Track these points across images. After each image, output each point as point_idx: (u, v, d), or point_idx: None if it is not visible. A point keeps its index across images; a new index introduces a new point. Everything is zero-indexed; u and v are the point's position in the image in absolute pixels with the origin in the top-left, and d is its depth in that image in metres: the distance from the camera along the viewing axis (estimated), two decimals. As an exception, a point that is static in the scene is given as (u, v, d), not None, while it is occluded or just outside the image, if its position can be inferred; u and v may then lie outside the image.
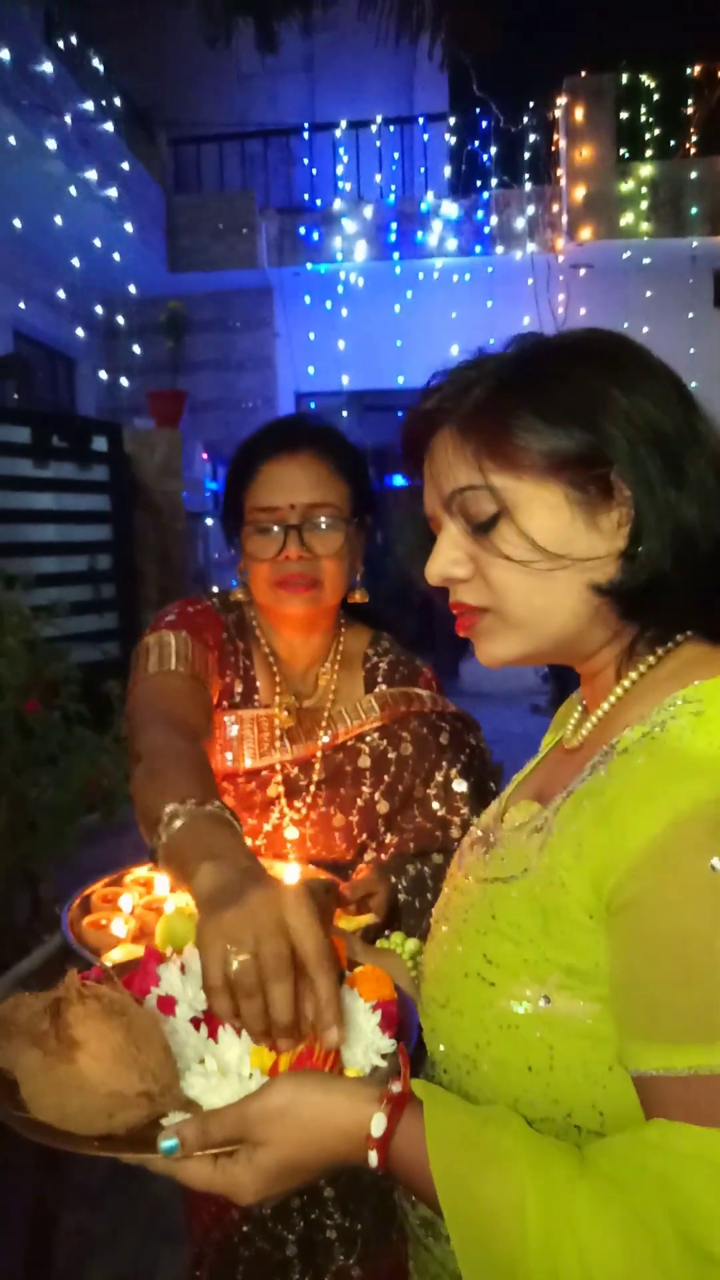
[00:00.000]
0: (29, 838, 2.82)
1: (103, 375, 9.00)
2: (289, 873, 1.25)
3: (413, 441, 0.83)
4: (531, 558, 0.75)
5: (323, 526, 1.30)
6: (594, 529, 0.75)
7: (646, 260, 8.81)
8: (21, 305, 7.60)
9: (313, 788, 1.36)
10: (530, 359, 0.78)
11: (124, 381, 8.73)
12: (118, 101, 7.99)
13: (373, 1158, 0.67)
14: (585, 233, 8.69)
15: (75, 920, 1.16)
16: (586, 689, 0.85)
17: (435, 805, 1.37)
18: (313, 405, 9.72)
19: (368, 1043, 0.78)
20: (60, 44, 6.91)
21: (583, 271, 8.99)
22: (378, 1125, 0.67)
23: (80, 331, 8.72)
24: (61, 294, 8.11)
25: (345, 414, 9.36)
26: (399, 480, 10.40)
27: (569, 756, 0.84)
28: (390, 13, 4.01)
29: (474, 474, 0.76)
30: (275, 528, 1.30)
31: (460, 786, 1.38)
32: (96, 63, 7.60)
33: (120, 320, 8.78)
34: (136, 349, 8.72)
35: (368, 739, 1.38)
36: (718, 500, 0.75)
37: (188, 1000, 0.82)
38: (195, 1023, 0.79)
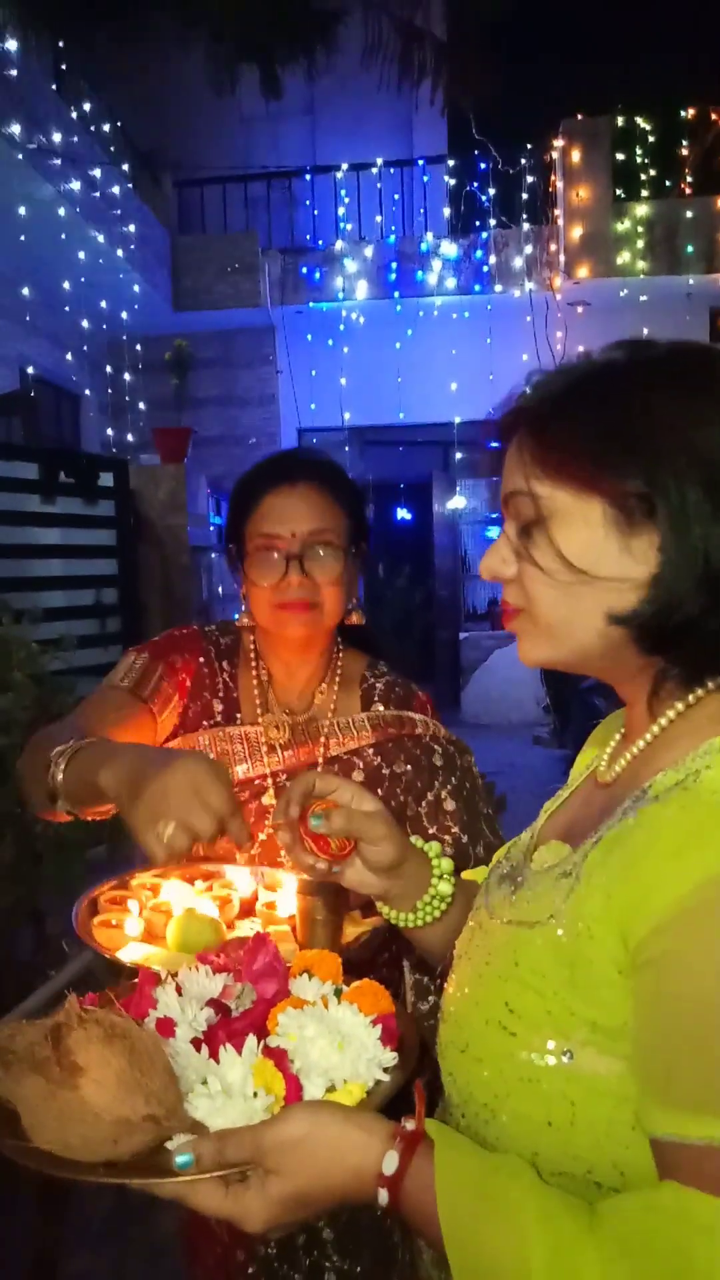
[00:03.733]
0: (35, 871, 2.83)
1: (108, 412, 9.11)
2: (287, 881, 1.28)
3: (501, 441, 0.82)
4: (556, 569, 0.75)
5: (321, 554, 1.35)
6: (626, 552, 0.73)
7: (643, 297, 8.95)
8: (29, 343, 7.71)
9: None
10: (606, 372, 0.77)
11: (129, 418, 8.84)
12: (124, 146, 8.16)
13: (383, 1196, 0.68)
14: (582, 271, 8.83)
15: (84, 921, 1.19)
16: (627, 715, 0.83)
17: (425, 823, 1.39)
18: (315, 440, 9.81)
19: (370, 1056, 0.81)
20: (68, 91, 7.07)
21: (580, 309, 9.12)
22: (390, 1164, 0.67)
23: (86, 369, 8.84)
24: (68, 332, 8.24)
25: (347, 449, 9.46)
26: (403, 514, 10.50)
27: (601, 791, 0.83)
28: (391, 59, 4.13)
29: (522, 479, 0.76)
30: (277, 555, 1.35)
31: (450, 805, 1.40)
32: (103, 109, 7.77)
33: (126, 358, 8.91)
34: (142, 386, 8.83)
35: (363, 755, 1.42)
36: None
37: (187, 1021, 0.84)
38: (196, 1043, 0.82)
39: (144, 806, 0.95)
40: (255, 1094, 0.75)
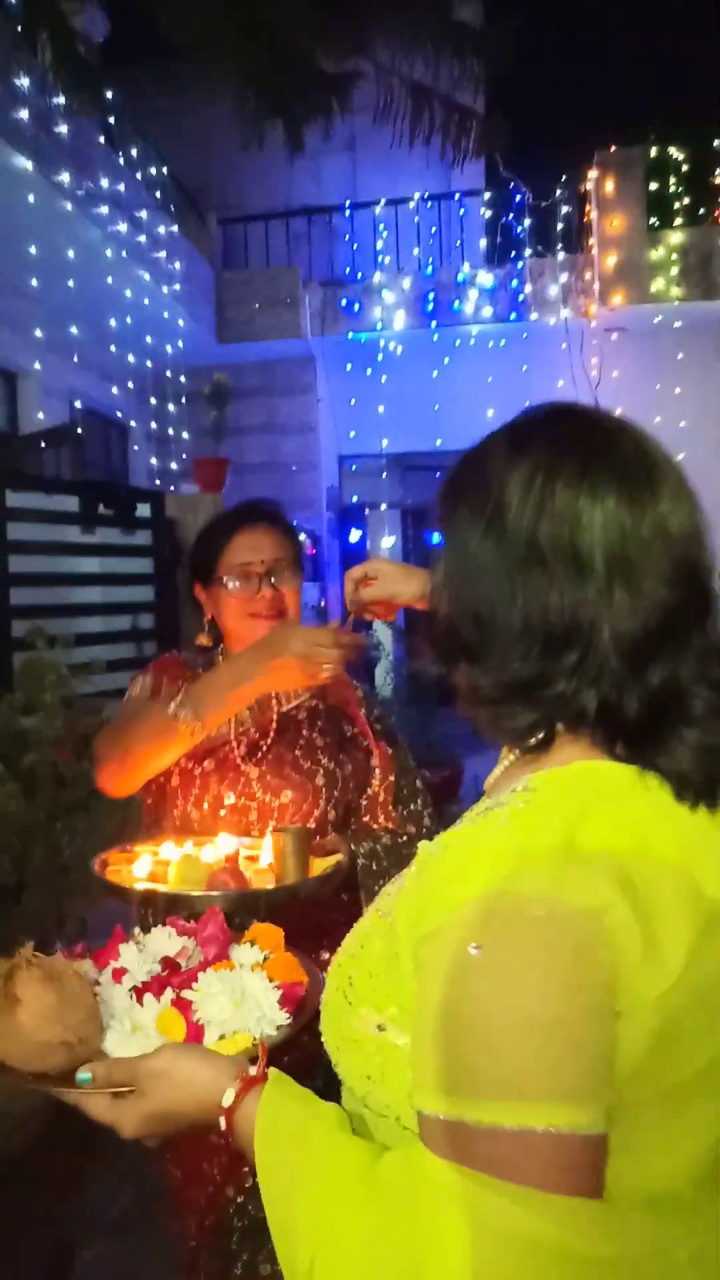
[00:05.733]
0: (61, 881, 3.05)
1: (154, 443, 9.44)
2: (224, 843, 1.54)
3: None
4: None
5: (284, 574, 1.72)
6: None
7: (678, 323, 9.05)
8: (78, 378, 8.06)
9: (270, 746, 1.70)
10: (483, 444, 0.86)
11: (174, 448, 9.16)
12: (170, 187, 8.52)
13: (221, 1123, 0.83)
14: (617, 298, 8.96)
15: (101, 868, 1.48)
16: None
17: (360, 740, 1.75)
18: (354, 467, 10.05)
19: (261, 1014, 0.99)
20: (115, 138, 7.43)
21: (615, 335, 9.25)
22: (227, 1098, 0.83)
23: (134, 401, 9.19)
24: (116, 366, 8.59)
25: (385, 475, 9.68)
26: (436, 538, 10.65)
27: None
28: (402, 118, 4.37)
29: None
30: (250, 577, 1.70)
31: (376, 710, 1.80)
32: (150, 153, 8.13)
33: (171, 390, 9.24)
34: (187, 417, 9.15)
35: (305, 704, 1.77)
36: (507, 583, 0.78)
37: (134, 974, 1.04)
38: (137, 991, 1.01)
39: (293, 649, 1.46)
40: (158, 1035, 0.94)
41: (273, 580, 1.71)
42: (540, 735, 0.79)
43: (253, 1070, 0.85)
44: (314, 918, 1.50)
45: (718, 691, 0.78)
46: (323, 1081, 0.87)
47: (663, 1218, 0.72)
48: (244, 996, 0.99)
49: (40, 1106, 2.68)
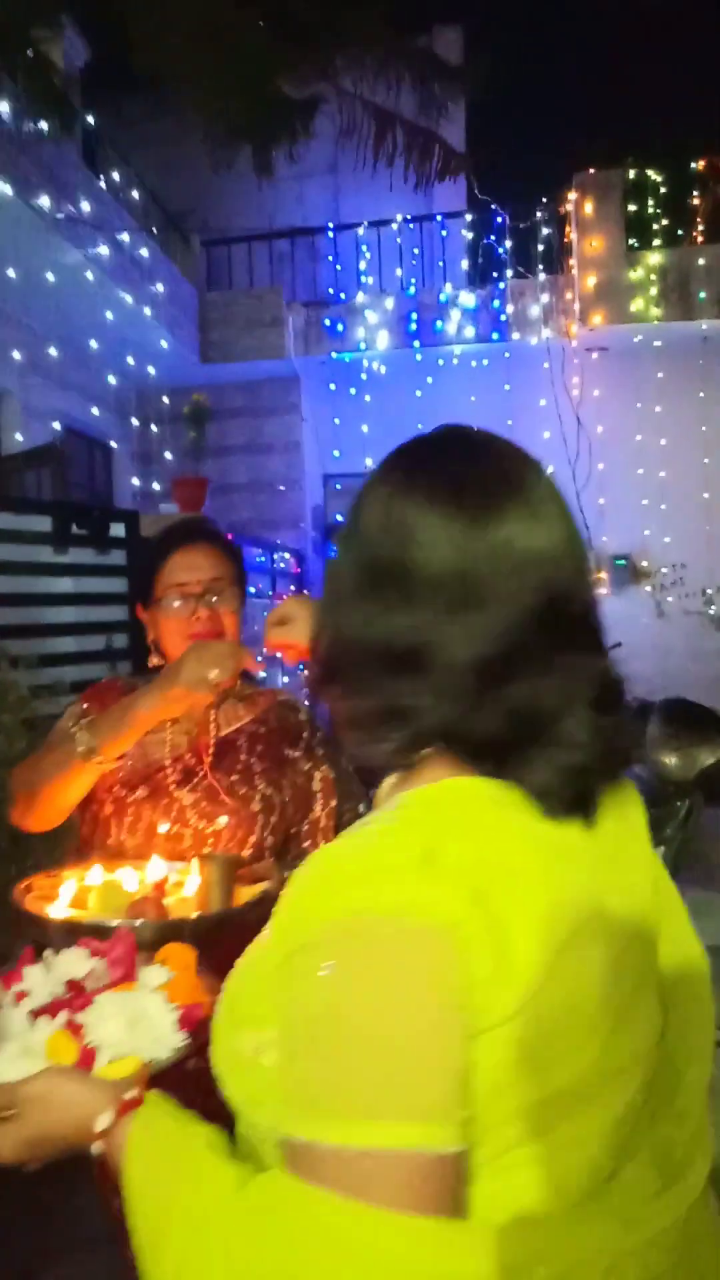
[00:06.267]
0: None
1: (137, 462, 9.47)
2: (191, 869, 1.52)
3: None
4: None
5: (221, 594, 1.69)
6: None
7: (658, 343, 9.13)
8: (62, 398, 8.10)
9: (206, 772, 1.67)
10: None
11: (157, 468, 9.19)
12: (153, 209, 8.59)
13: (96, 1147, 0.82)
14: (598, 318, 9.04)
15: (20, 895, 1.44)
16: None
17: (302, 764, 1.73)
18: (338, 486, 10.09)
19: (156, 1035, 0.99)
20: (97, 160, 7.50)
21: (596, 355, 9.32)
22: (102, 1122, 0.82)
23: (117, 421, 9.23)
24: (99, 387, 8.63)
25: (369, 494, 9.68)
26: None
27: None
28: (366, 141, 4.43)
29: None
30: (187, 598, 1.66)
31: (319, 750, 1.76)
32: (131, 175, 8.21)
33: (154, 411, 9.28)
34: (170, 437, 9.18)
35: (245, 729, 1.73)
36: (357, 606, 0.78)
37: (36, 995, 1.04)
38: (35, 1014, 1.01)
39: (183, 675, 1.48)
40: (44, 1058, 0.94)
41: (212, 600, 1.67)
42: (404, 757, 0.79)
43: (132, 1094, 0.85)
44: (244, 945, 1.48)
45: (595, 711, 0.77)
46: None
47: (526, 1237, 0.71)
48: (139, 1019, 0.99)
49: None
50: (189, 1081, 0.96)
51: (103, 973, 1.11)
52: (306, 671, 0.89)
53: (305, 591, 8.79)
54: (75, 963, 1.12)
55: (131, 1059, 0.96)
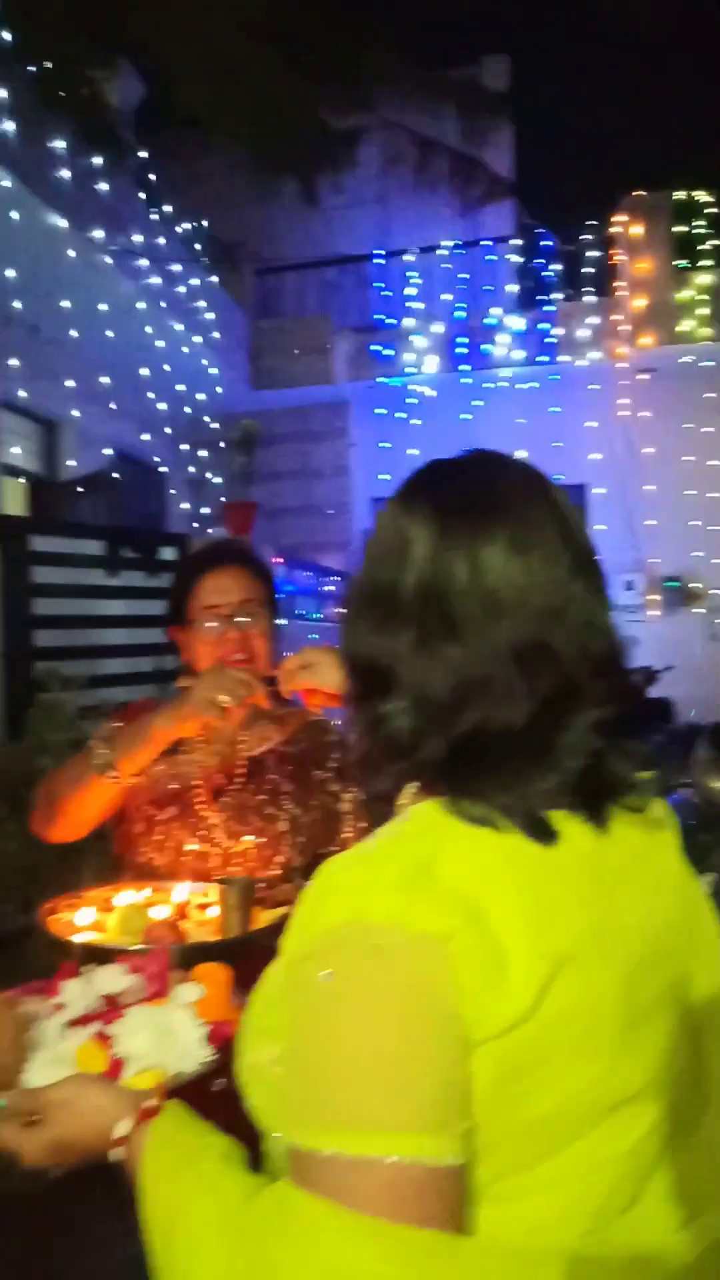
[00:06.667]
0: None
1: (188, 488, 9.62)
2: (179, 892, 1.56)
3: None
4: None
5: (250, 616, 1.71)
6: None
7: (707, 363, 9.06)
8: (116, 426, 8.27)
9: (235, 791, 1.69)
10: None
11: (209, 493, 9.32)
12: (205, 240, 8.77)
13: (116, 1153, 0.83)
14: (646, 340, 9.01)
15: (44, 916, 1.48)
16: None
17: (331, 785, 1.72)
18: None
19: (183, 1049, 1.02)
20: (151, 194, 7.69)
21: (645, 376, 9.28)
22: (121, 1129, 0.84)
23: (170, 448, 9.39)
24: (152, 414, 8.79)
25: (417, 517, 9.69)
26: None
27: None
28: (410, 169, 4.49)
29: None
30: (218, 620, 1.69)
31: (350, 756, 1.71)
32: (184, 208, 8.39)
33: (205, 436, 9.43)
34: (221, 462, 9.31)
35: (276, 750, 1.75)
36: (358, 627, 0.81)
37: (72, 1008, 1.08)
38: (71, 1024, 1.04)
39: (194, 697, 1.52)
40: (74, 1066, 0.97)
41: (242, 621, 1.70)
42: (397, 774, 0.81)
43: (150, 1103, 0.87)
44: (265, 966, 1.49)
45: (591, 735, 0.77)
46: None
47: (534, 1265, 0.71)
48: (168, 1032, 1.02)
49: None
50: (216, 1099, 0.98)
51: (139, 988, 1.14)
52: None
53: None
54: (113, 978, 1.15)
55: (156, 1071, 0.98)
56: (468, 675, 0.75)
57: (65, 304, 6.67)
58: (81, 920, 1.47)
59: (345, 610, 0.83)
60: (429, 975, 0.68)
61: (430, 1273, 0.66)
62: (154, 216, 7.68)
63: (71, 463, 7.40)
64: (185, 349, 8.34)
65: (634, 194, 9.10)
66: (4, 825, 2.82)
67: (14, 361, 6.34)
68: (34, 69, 5.13)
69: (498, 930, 0.70)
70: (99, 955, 1.25)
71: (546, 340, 9.38)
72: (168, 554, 5.50)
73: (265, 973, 0.87)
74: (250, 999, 0.88)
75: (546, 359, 9.45)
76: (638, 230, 9.08)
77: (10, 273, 5.99)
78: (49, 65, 5.03)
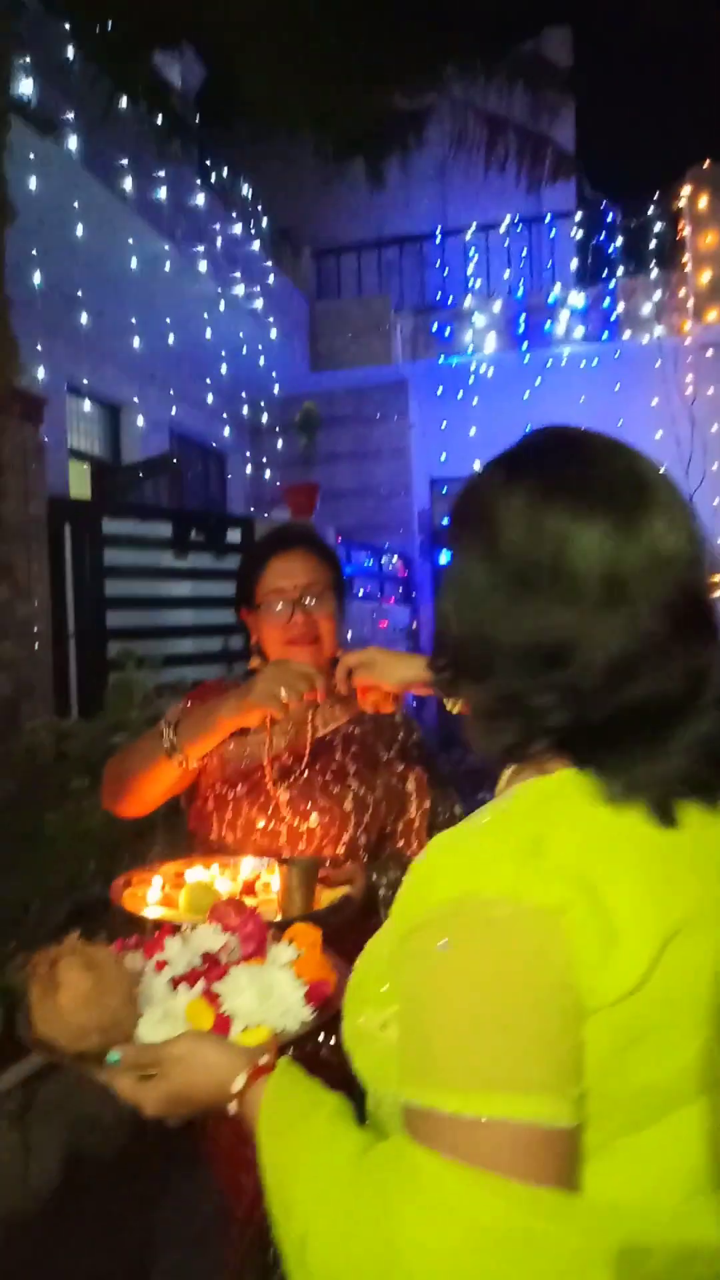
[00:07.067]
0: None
1: (250, 470, 9.70)
2: (246, 866, 1.61)
3: None
4: None
5: (316, 599, 1.73)
6: (439, 608, 0.88)
7: (775, 338, 8.87)
8: (178, 409, 8.36)
9: (304, 772, 1.72)
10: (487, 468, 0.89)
11: (269, 475, 9.39)
12: (264, 223, 8.80)
13: (232, 1106, 0.89)
14: (712, 315, 8.84)
15: (118, 889, 1.53)
16: None
17: (396, 765, 1.75)
18: (445, 490, 10.11)
19: (286, 1008, 1.05)
20: (212, 177, 7.72)
21: (710, 352, 9.10)
22: (238, 1083, 0.88)
23: (230, 430, 9.46)
24: (213, 397, 8.87)
25: (477, 497, 9.65)
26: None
27: None
28: (478, 149, 4.47)
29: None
30: (284, 603, 1.71)
31: (415, 752, 1.78)
32: (244, 190, 8.42)
33: (265, 418, 9.48)
34: (280, 444, 9.37)
35: (341, 730, 1.78)
36: (502, 604, 0.80)
37: (175, 966, 1.12)
38: (175, 981, 1.08)
39: (257, 690, 1.56)
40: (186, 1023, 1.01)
41: (308, 604, 1.72)
42: (524, 749, 0.82)
43: (263, 1059, 0.91)
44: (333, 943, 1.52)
45: (706, 716, 0.79)
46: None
47: (638, 1222, 0.74)
48: (270, 992, 1.05)
49: (125, 1116, 2.78)
50: (313, 1059, 1.01)
51: (235, 947, 1.18)
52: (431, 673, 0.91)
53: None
54: (210, 937, 1.19)
55: (263, 1029, 1.02)
56: (636, 648, 0.77)
57: (127, 289, 6.74)
58: (152, 896, 1.52)
59: (477, 595, 0.82)
60: (543, 947, 0.71)
61: (549, 1227, 0.68)
62: (214, 200, 7.72)
63: (136, 446, 7.49)
64: (244, 332, 8.39)
65: (700, 164, 8.90)
66: (85, 800, 2.89)
67: (78, 348, 6.43)
68: (96, 52, 5.19)
69: (610, 904, 0.72)
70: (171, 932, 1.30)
71: (610, 317, 9.25)
72: (233, 536, 5.57)
73: (369, 944, 0.91)
74: (355, 967, 0.91)
75: (608, 336, 9.32)
76: (703, 201, 8.88)
77: (73, 258, 6.07)
78: (112, 48, 5.08)
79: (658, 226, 9.25)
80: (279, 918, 1.42)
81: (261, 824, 1.68)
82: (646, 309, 9.16)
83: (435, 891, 0.76)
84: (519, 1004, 0.70)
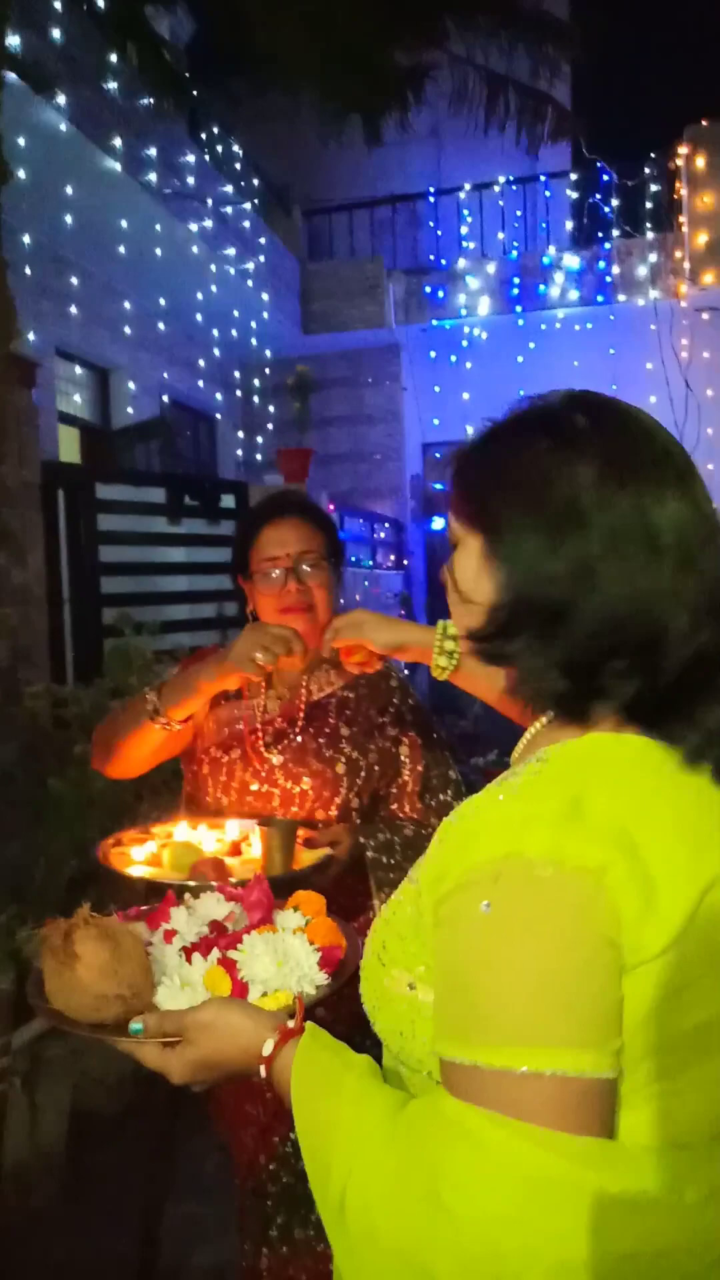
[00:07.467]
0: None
1: (241, 433, 9.63)
2: (232, 828, 1.64)
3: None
4: (452, 588, 0.91)
5: (310, 567, 1.72)
6: (486, 580, 0.86)
7: (771, 301, 8.81)
8: (168, 372, 8.27)
9: (298, 736, 1.73)
10: (501, 429, 0.89)
11: (261, 439, 9.32)
12: (255, 182, 8.65)
13: (260, 1071, 0.89)
14: (708, 277, 8.76)
15: (106, 849, 1.56)
16: None
17: (390, 730, 1.76)
18: (438, 455, 10.07)
19: (302, 974, 1.06)
20: (202, 135, 7.58)
21: (706, 315, 9.05)
22: (267, 1048, 0.89)
23: (220, 394, 9.38)
24: (204, 360, 8.78)
25: (470, 462, 9.63)
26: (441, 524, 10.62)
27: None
28: (478, 107, 4.40)
29: (449, 513, 0.93)
30: (277, 571, 1.70)
31: (409, 716, 1.78)
32: (235, 149, 8.27)
33: (256, 382, 9.40)
34: (272, 408, 9.29)
35: (337, 694, 1.78)
36: (584, 574, 0.80)
37: (184, 935, 1.13)
38: (186, 951, 1.10)
39: (233, 653, 1.55)
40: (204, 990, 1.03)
41: (303, 571, 1.71)
42: (585, 714, 0.83)
43: (290, 1023, 0.92)
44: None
45: None
46: (371, 1041, 0.92)
47: (672, 1160, 0.77)
48: (286, 957, 1.07)
49: (132, 1074, 2.82)
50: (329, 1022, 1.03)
51: (240, 915, 1.19)
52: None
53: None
54: (214, 905, 1.20)
55: (283, 993, 1.03)
56: (699, 608, 0.80)
57: (120, 249, 6.65)
58: (138, 854, 1.55)
59: (537, 562, 0.82)
60: (587, 906, 0.72)
61: (593, 1174, 0.71)
62: (205, 159, 7.59)
63: (128, 410, 7.43)
64: (236, 294, 8.28)
65: (699, 123, 8.78)
66: (87, 766, 2.90)
67: (67, 309, 6.35)
68: (86, 6, 5.07)
69: (648, 862, 0.74)
70: (156, 890, 1.31)
71: (605, 280, 9.17)
72: (227, 501, 5.54)
73: (388, 907, 0.92)
74: (375, 930, 0.93)
75: (603, 299, 9.25)
76: (700, 162, 8.78)
77: (63, 218, 5.97)
78: (102, 3, 4.96)
79: (654, 187, 9.14)
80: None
81: (255, 787, 1.70)
82: (642, 271, 9.09)
83: (475, 853, 0.77)
84: (563, 964, 0.72)
